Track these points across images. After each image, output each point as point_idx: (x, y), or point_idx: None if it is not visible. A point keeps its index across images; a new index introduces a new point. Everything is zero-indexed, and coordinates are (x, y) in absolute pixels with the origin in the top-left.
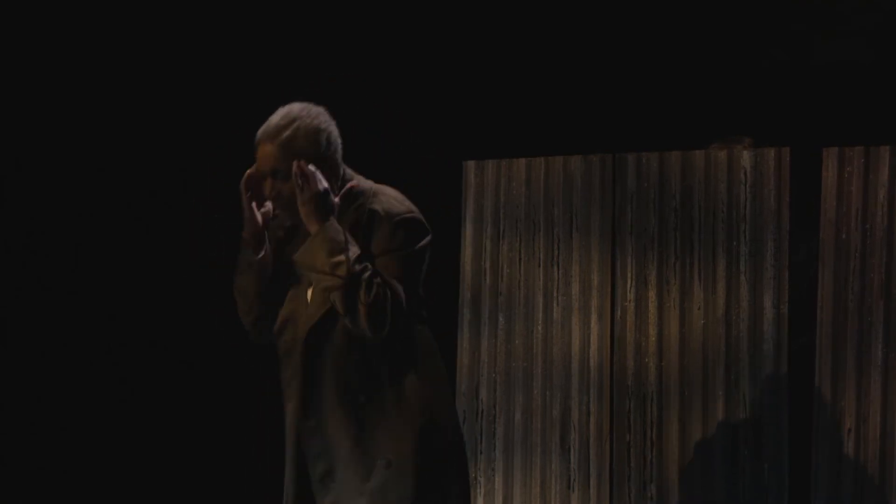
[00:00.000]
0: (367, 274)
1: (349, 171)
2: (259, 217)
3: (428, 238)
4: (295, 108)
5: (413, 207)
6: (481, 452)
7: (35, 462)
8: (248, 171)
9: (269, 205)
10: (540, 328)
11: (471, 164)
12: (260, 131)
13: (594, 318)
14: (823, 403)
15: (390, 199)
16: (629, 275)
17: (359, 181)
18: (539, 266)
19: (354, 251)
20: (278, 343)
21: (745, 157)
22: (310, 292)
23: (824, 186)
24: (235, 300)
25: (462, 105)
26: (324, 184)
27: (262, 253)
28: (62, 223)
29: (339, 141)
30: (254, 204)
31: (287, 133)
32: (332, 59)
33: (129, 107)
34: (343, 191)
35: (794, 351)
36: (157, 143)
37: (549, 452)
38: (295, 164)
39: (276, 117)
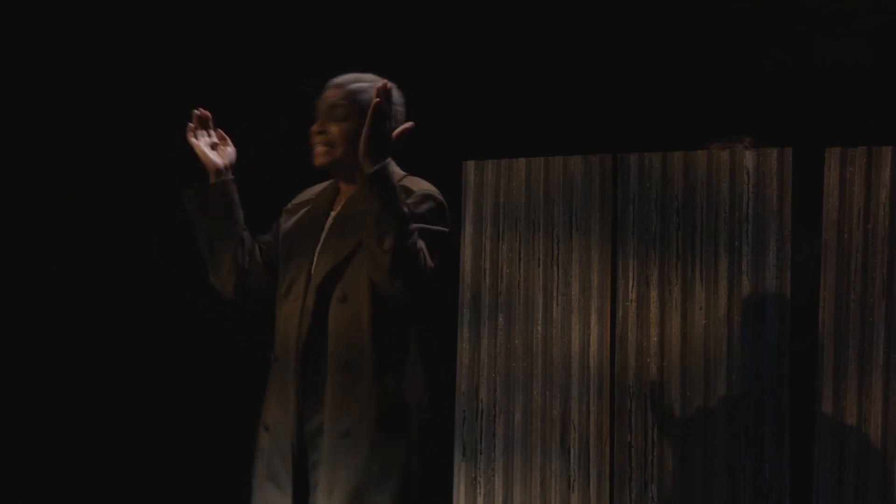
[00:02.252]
0: (413, 225)
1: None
2: (213, 155)
3: (447, 226)
4: (378, 77)
5: (441, 195)
6: (481, 452)
7: (35, 462)
8: (196, 112)
9: (231, 152)
10: (540, 328)
11: (470, 163)
12: (336, 78)
13: (594, 318)
14: (825, 403)
15: (422, 182)
16: (631, 275)
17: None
18: (539, 266)
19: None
20: (281, 305)
21: (748, 158)
22: (316, 256)
23: (826, 186)
24: (204, 257)
25: (462, 105)
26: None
27: (224, 177)
28: (59, 220)
29: (401, 121)
30: (202, 143)
31: (360, 85)
32: (331, 59)
33: (128, 106)
34: (400, 129)
35: (795, 353)
36: (156, 141)
37: (549, 452)
38: (383, 84)
39: (358, 74)
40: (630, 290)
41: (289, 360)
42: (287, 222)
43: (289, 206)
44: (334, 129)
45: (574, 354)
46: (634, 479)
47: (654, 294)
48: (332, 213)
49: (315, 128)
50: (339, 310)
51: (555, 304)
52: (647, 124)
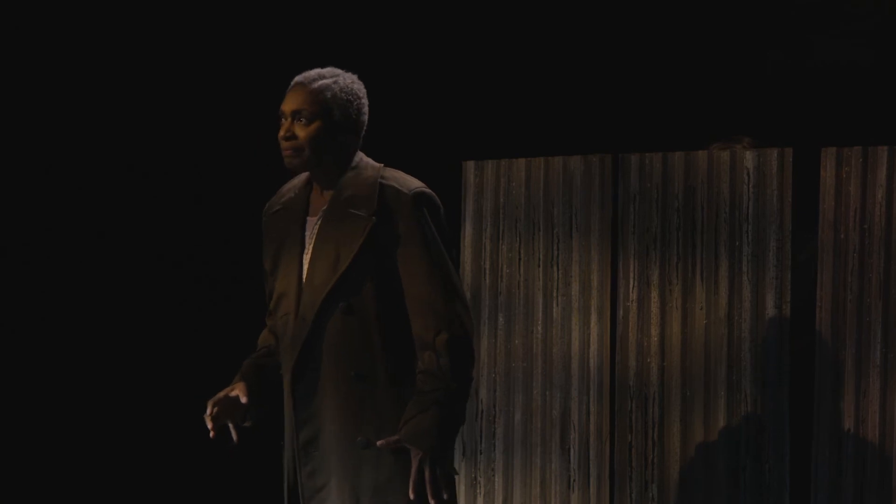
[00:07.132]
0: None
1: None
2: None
3: (442, 215)
4: (339, 69)
5: (425, 187)
6: (481, 452)
7: (35, 462)
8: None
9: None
10: (540, 328)
11: (470, 163)
12: (297, 77)
13: (594, 318)
14: (823, 404)
15: (401, 175)
16: (631, 275)
17: (363, 158)
18: (539, 266)
19: (426, 403)
20: (275, 320)
21: (748, 158)
22: (306, 264)
23: (822, 186)
24: None
25: (462, 105)
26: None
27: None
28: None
29: (366, 118)
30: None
31: (324, 81)
32: (331, 59)
33: (128, 106)
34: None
35: (796, 351)
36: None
37: (549, 452)
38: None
39: (318, 69)
40: (631, 290)
41: (285, 375)
42: (269, 232)
43: (269, 208)
44: (301, 134)
45: (574, 354)
46: (634, 479)
47: (654, 294)
48: (312, 218)
49: (282, 133)
50: (345, 322)
51: (555, 305)
52: (647, 124)
